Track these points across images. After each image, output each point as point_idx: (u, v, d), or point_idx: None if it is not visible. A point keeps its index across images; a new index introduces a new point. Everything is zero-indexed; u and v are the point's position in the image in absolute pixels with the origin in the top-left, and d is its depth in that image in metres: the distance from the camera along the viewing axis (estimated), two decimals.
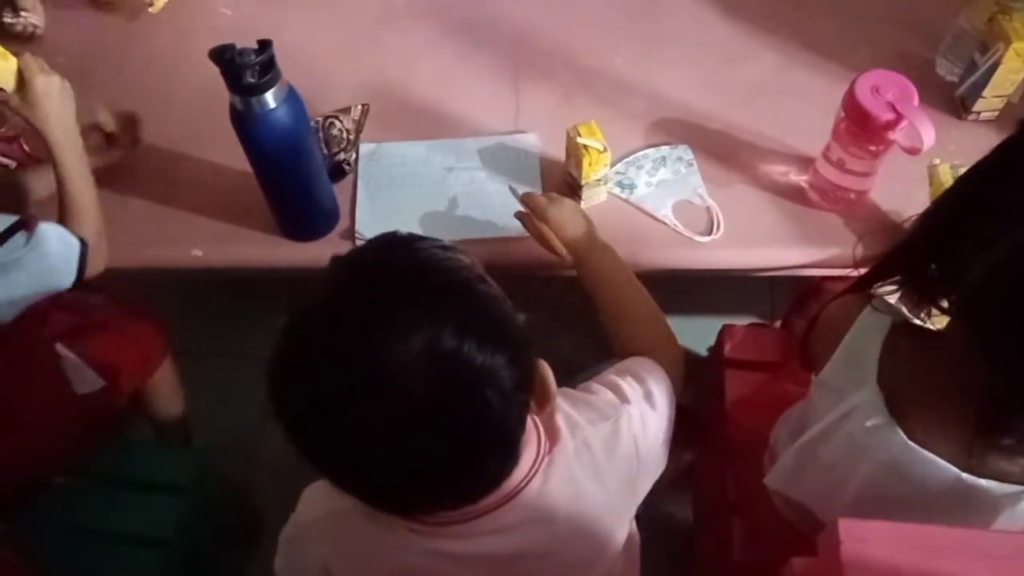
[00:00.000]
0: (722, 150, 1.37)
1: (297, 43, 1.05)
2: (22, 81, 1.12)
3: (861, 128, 1.18)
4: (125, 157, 1.34)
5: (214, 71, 1.04)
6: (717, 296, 1.91)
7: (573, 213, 1.15)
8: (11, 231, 1.07)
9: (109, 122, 1.30)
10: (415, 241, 0.73)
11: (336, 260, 0.73)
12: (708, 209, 1.31)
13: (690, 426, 1.52)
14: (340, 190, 1.33)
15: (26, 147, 1.36)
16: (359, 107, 1.42)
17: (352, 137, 1.38)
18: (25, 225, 1.08)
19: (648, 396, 0.93)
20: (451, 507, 0.77)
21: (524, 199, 1.18)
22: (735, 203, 1.31)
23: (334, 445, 0.68)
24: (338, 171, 1.35)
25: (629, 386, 0.92)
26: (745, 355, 1.39)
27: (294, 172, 1.18)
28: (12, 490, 1.23)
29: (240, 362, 1.88)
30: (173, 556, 1.27)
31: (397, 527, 0.80)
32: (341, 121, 1.38)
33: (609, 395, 0.91)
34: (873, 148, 1.20)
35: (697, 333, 1.84)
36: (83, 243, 1.14)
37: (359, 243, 1.29)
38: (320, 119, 1.37)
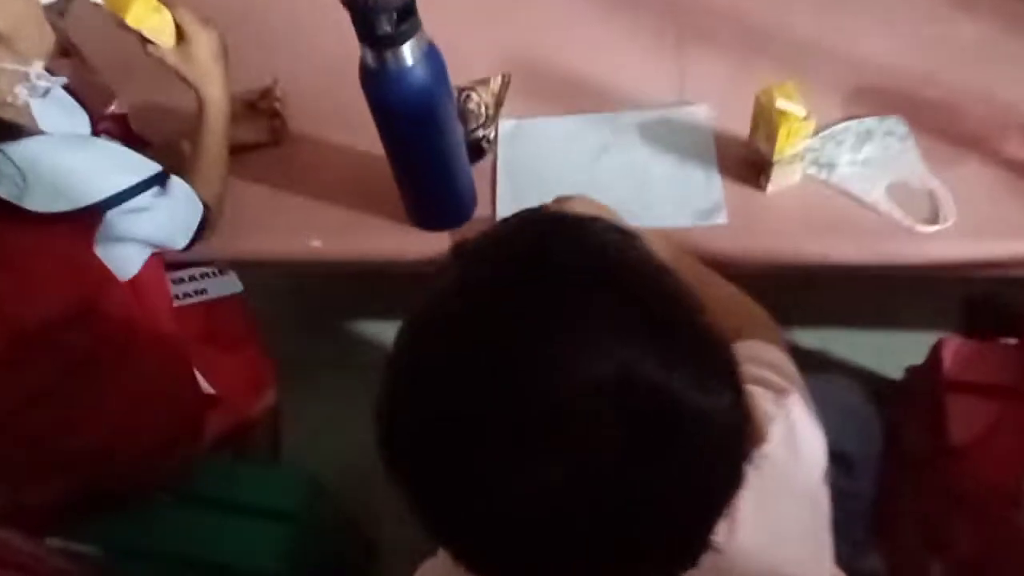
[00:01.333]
0: (944, 122, 1.11)
1: (428, 4, 0.88)
2: (180, 35, 1.02)
3: None
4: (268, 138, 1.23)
5: (343, 40, 0.88)
6: (899, 310, 1.64)
7: (588, 207, 0.93)
8: (154, 180, 0.99)
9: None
10: (581, 222, 0.53)
11: (467, 250, 0.53)
12: (931, 192, 1.05)
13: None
14: (478, 173, 1.14)
15: (133, 127, 1.24)
16: (499, 78, 1.23)
17: (491, 112, 1.20)
18: (162, 178, 1.01)
19: (791, 375, 0.72)
20: None
21: None
22: (963, 186, 1.05)
23: (475, 514, 0.48)
24: (476, 150, 1.17)
25: (773, 376, 0.71)
26: (972, 376, 1.12)
27: (430, 144, 1.00)
28: (95, 494, 1.09)
29: (357, 373, 1.75)
30: None
31: None
32: (479, 94, 1.19)
33: (759, 390, 0.69)
34: None
35: (876, 351, 1.59)
36: (207, 208, 1.07)
37: None
38: (455, 91, 1.19)
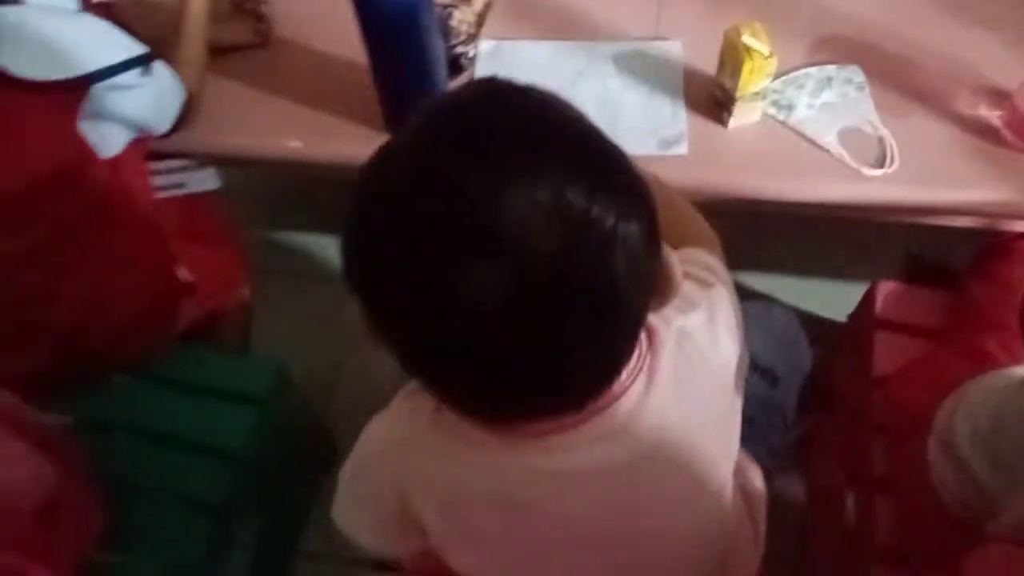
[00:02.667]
0: (899, 75, 1.17)
1: None
2: None
3: None
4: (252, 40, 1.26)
5: None
6: (846, 262, 1.72)
7: None
8: (139, 61, 1.02)
9: None
10: (526, 86, 0.59)
11: (429, 102, 0.58)
12: (880, 140, 1.12)
13: (809, 394, 1.35)
14: None
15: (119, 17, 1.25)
16: None
17: (472, 31, 1.24)
18: (148, 59, 1.05)
19: (723, 278, 0.80)
20: (558, 407, 0.63)
21: None
22: (913, 136, 1.12)
23: (430, 322, 0.55)
24: (454, 66, 1.21)
25: (703, 273, 0.79)
26: (901, 316, 1.20)
27: (410, 51, 1.04)
28: (71, 366, 1.15)
29: (325, 282, 1.80)
30: (242, 468, 1.17)
31: (484, 445, 0.67)
32: (462, 11, 1.23)
33: (688, 283, 0.76)
34: None
35: (820, 297, 1.67)
36: (188, 95, 1.11)
37: None
38: (438, 7, 1.22)
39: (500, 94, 0.58)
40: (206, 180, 1.30)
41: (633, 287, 0.57)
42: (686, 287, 0.73)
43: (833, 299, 1.62)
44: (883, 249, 1.70)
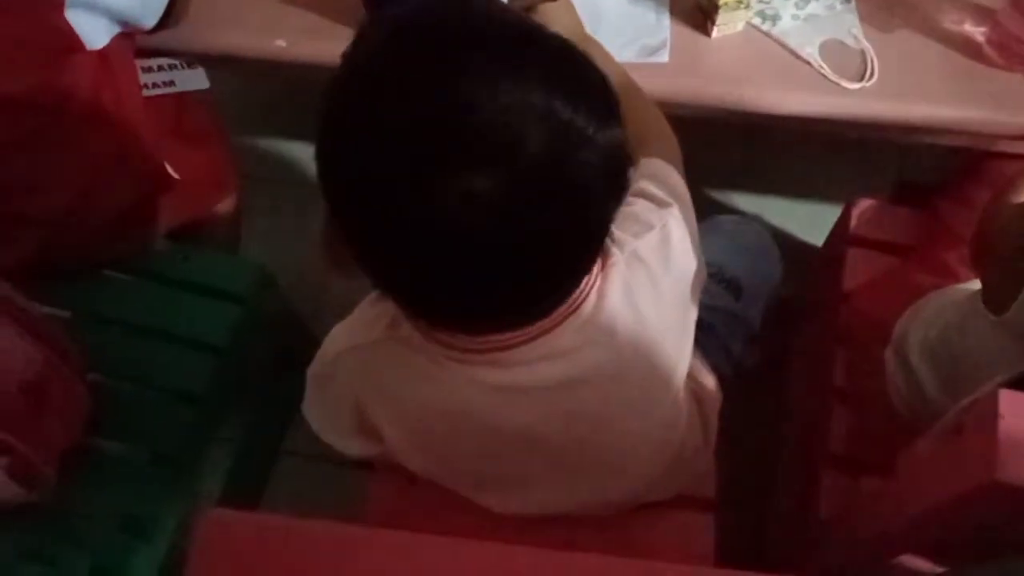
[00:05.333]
0: None
1: None
2: None
3: None
4: None
5: None
6: (838, 185, 1.72)
7: (564, 8, 1.00)
8: None
9: None
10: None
11: (381, 20, 0.61)
12: (862, 52, 1.12)
13: (785, 314, 1.38)
14: None
15: None
16: None
17: None
18: None
19: (678, 199, 0.81)
20: (525, 315, 0.65)
21: None
22: (894, 50, 1.12)
23: (416, 227, 0.56)
24: None
25: (659, 191, 0.80)
26: (873, 234, 1.22)
27: None
28: (57, 258, 1.18)
29: (313, 190, 1.81)
30: (224, 362, 1.20)
31: (436, 356, 0.70)
32: None
33: (645, 203, 0.78)
34: None
35: (809, 220, 1.68)
36: None
37: None
38: None
39: (474, 8, 0.59)
40: (196, 79, 1.30)
41: (606, 193, 0.59)
42: (641, 206, 0.77)
43: (823, 222, 1.64)
44: (877, 174, 1.70)
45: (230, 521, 0.64)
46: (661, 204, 0.78)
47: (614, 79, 0.80)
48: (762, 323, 1.15)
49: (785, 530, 1.29)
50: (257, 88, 1.93)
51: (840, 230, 1.27)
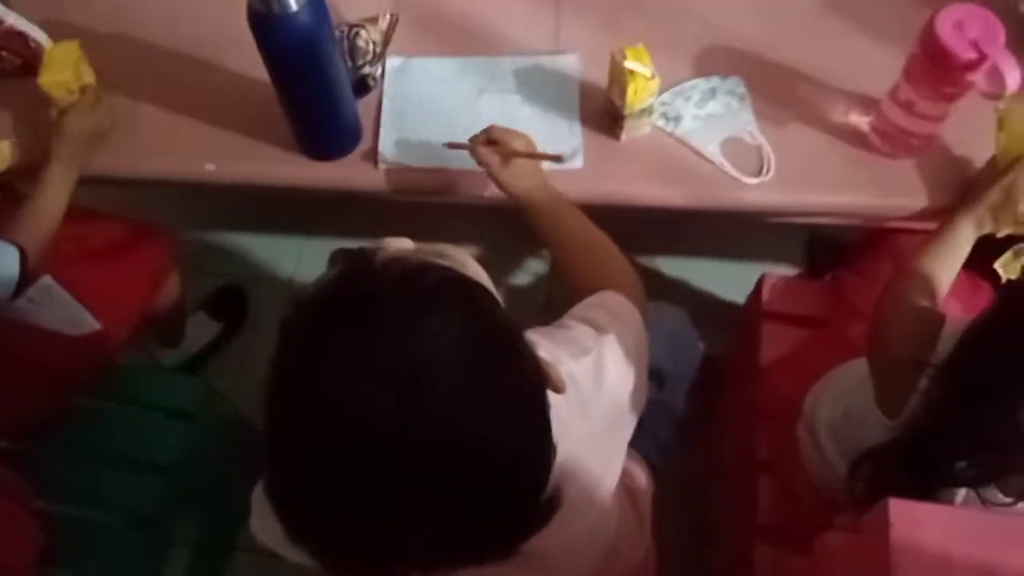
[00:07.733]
0: (778, 85, 1.26)
1: None
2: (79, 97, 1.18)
3: (938, 67, 1.06)
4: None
5: None
6: (757, 244, 1.83)
7: (525, 167, 1.08)
8: None
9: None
10: (387, 263, 0.64)
11: (306, 299, 0.64)
12: (759, 149, 1.21)
13: (713, 374, 1.46)
14: (364, 107, 1.24)
15: (32, 43, 1.27)
16: (388, 16, 1.31)
17: (379, 50, 1.28)
18: None
19: (623, 325, 0.89)
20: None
21: (475, 155, 1.09)
22: (789, 143, 1.21)
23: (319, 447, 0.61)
24: (362, 86, 1.26)
25: (603, 318, 0.88)
26: (785, 307, 1.30)
27: (314, 83, 1.09)
28: (23, 428, 1.21)
29: (258, 286, 1.85)
30: (175, 479, 1.23)
31: None
32: (368, 31, 1.28)
33: (586, 328, 0.87)
34: (949, 90, 1.09)
35: (731, 280, 1.78)
36: (20, 249, 1.09)
37: (382, 167, 1.20)
38: (345, 28, 1.27)
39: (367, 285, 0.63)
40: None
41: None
42: (581, 332, 0.84)
43: (745, 279, 1.74)
44: (787, 235, 1.81)
45: None
46: (600, 331, 0.86)
47: (580, 223, 0.90)
48: (688, 391, 1.22)
49: None
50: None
51: (753, 304, 1.35)
